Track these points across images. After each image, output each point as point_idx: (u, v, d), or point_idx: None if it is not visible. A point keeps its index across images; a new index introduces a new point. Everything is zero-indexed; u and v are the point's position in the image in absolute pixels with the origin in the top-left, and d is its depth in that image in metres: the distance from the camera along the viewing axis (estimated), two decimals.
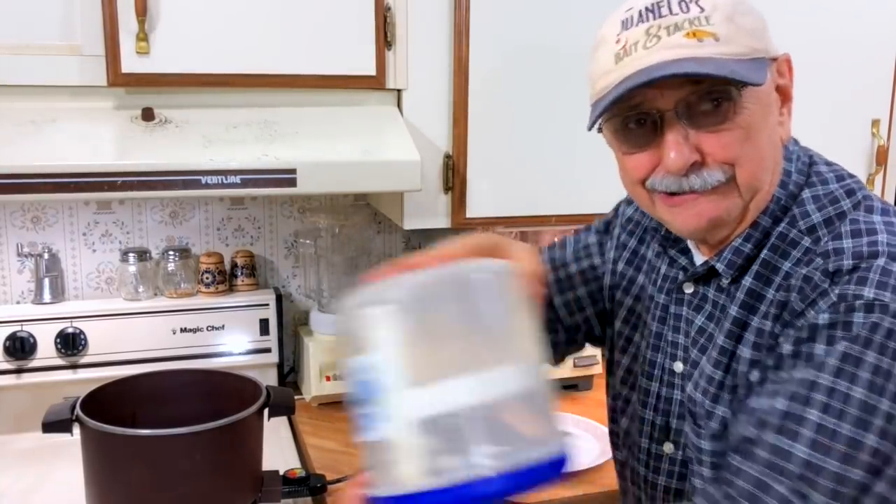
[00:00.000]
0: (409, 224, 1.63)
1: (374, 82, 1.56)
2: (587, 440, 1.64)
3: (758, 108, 0.88)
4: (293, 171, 1.43)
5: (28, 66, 1.41)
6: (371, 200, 1.96)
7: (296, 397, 1.46)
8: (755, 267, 0.94)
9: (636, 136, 0.91)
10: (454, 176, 1.62)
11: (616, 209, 1.22)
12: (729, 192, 0.91)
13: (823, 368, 0.82)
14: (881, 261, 0.84)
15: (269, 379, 1.82)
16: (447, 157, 1.62)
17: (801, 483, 0.80)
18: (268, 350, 1.84)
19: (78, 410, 1.25)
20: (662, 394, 1.06)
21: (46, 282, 1.77)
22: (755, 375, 0.91)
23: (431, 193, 1.62)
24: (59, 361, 1.69)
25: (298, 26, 1.50)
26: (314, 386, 1.80)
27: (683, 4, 0.87)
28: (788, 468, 0.81)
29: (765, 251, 0.93)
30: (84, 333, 1.70)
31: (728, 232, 0.95)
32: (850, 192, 0.93)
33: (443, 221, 1.65)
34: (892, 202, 1.98)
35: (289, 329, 1.97)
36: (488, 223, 1.73)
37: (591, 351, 1.92)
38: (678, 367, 1.04)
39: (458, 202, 1.63)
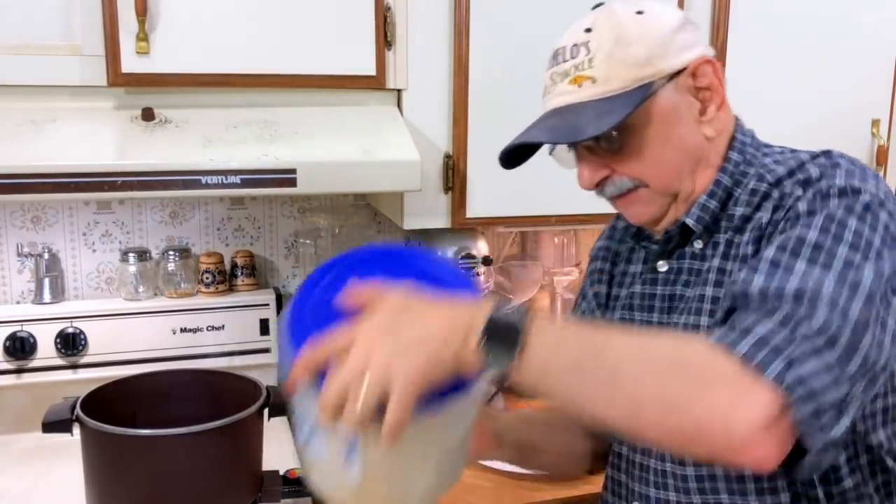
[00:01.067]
0: (409, 224, 1.63)
1: (374, 82, 1.56)
2: None
3: (653, 126, 0.99)
4: (293, 171, 1.43)
5: (28, 66, 1.41)
6: (371, 200, 1.96)
7: None
8: (730, 223, 1.01)
9: (567, 157, 1.06)
10: (454, 176, 1.62)
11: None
12: (649, 197, 1.02)
13: (810, 227, 0.87)
14: (844, 163, 0.94)
15: (269, 379, 1.82)
16: (447, 157, 1.62)
17: (797, 306, 0.80)
18: (268, 350, 1.84)
19: (78, 410, 1.25)
20: None
21: (46, 282, 1.77)
22: None
23: (431, 193, 1.62)
24: (59, 361, 1.69)
25: (298, 26, 1.50)
26: None
27: (575, 49, 1.00)
28: (783, 294, 0.82)
29: (738, 207, 1.01)
30: (84, 333, 1.70)
31: (673, 218, 1.04)
32: (807, 152, 1.02)
33: (443, 221, 1.65)
34: None
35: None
36: (488, 223, 1.74)
37: None
38: None
39: (458, 202, 1.63)
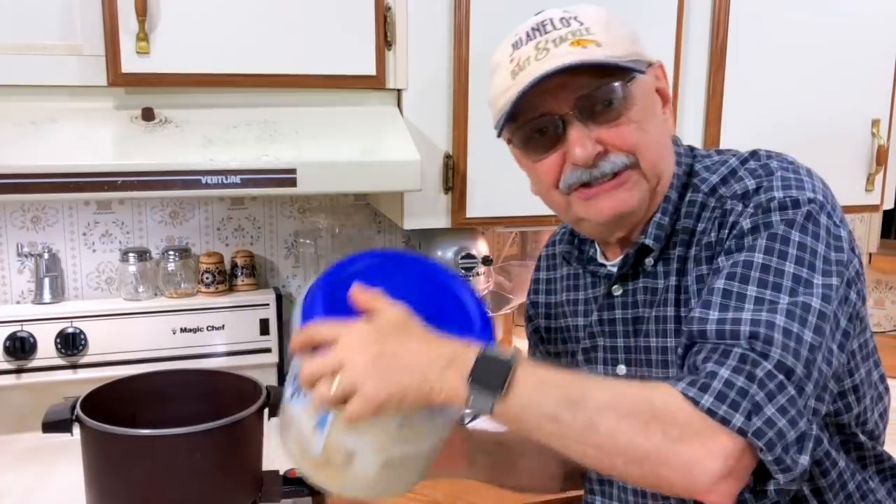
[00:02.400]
0: (409, 224, 1.63)
1: (374, 82, 1.56)
2: None
3: (646, 102, 0.99)
4: (293, 171, 1.43)
5: (28, 66, 1.41)
6: (371, 200, 1.96)
7: None
8: (676, 238, 1.03)
9: (542, 143, 1.00)
10: (454, 176, 1.62)
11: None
12: (637, 181, 1.00)
13: (755, 250, 0.90)
14: (777, 168, 0.96)
15: (269, 379, 1.82)
16: (447, 157, 1.62)
17: (752, 343, 0.84)
18: (268, 350, 1.84)
19: (78, 410, 1.25)
20: None
21: (46, 282, 1.77)
22: None
23: (431, 193, 1.62)
24: (59, 361, 1.69)
25: (298, 26, 1.50)
26: None
27: (564, 20, 0.98)
28: (738, 329, 0.85)
29: (680, 221, 1.02)
30: (84, 333, 1.70)
31: (632, 226, 1.04)
32: (734, 154, 1.03)
33: (443, 221, 1.65)
34: (893, 202, 1.98)
35: (289, 329, 1.97)
36: (488, 223, 1.73)
37: None
38: (621, 370, 1.08)
39: (458, 202, 1.63)
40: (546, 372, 0.85)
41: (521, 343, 1.89)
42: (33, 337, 1.68)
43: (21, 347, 1.66)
